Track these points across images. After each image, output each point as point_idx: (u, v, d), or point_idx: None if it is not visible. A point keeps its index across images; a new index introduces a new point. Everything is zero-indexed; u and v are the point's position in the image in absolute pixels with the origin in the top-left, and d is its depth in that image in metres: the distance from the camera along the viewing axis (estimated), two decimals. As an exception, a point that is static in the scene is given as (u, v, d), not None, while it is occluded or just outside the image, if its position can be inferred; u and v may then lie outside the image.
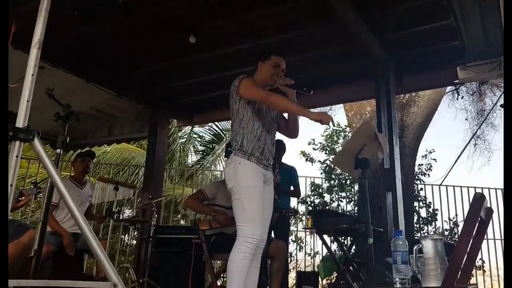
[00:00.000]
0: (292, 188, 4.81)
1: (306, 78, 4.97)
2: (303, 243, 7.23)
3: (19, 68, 1.77)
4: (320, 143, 8.30)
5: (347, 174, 7.00)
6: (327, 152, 8.09)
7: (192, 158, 11.39)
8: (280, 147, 4.80)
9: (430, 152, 7.34)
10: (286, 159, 4.88)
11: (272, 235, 4.34)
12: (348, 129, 7.82)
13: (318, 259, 6.76)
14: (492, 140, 8.49)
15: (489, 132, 8.51)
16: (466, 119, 8.11)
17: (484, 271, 6.76)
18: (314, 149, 8.18)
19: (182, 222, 8.29)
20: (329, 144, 8.15)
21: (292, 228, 7.55)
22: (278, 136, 3.01)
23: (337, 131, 8.39)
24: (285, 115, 2.96)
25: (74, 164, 4.46)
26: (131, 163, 9.11)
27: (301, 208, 7.44)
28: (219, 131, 11.09)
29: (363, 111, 6.74)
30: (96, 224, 5.62)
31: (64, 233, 3.92)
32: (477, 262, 6.62)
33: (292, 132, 2.97)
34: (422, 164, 7.28)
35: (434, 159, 7.31)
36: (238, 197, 2.59)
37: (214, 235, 3.64)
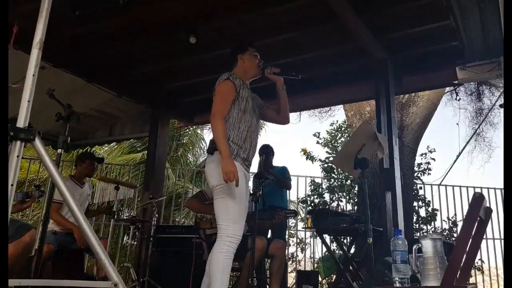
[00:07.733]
0: None
1: (306, 78, 5.03)
2: (302, 242, 7.24)
3: (20, 68, 1.78)
4: (325, 138, 8.30)
5: (347, 173, 7.00)
6: (329, 147, 8.08)
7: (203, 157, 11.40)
8: (269, 151, 4.92)
9: (431, 152, 7.36)
10: (287, 158, 4.91)
11: (269, 235, 4.37)
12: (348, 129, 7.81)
13: (317, 257, 6.76)
14: (492, 138, 8.50)
15: (488, 130, 8.52)
16: (457, 124, 8.10)
17: (483, 272, 6.75)
18: (318, 142, 8.17)
19: (185, 220, 8.31)
20: (332, 141, 8.15)
21: (292, 228, 7.58)
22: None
23: (342, 128, 8.38)
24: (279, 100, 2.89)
25: (81, 164, 4.30)
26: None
27: (301, 208, 7.44)
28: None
29: (363, 111, 6.74)
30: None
31: (73, 227, 3.82)
32: (476, 262, 6.63)
33: (284, 118, 2.94)
34: (421, 164, 7.28)
35: (433, 159, 7.33)
36: (222, 196, 2.54)
37: (215, 234, 3.64)
